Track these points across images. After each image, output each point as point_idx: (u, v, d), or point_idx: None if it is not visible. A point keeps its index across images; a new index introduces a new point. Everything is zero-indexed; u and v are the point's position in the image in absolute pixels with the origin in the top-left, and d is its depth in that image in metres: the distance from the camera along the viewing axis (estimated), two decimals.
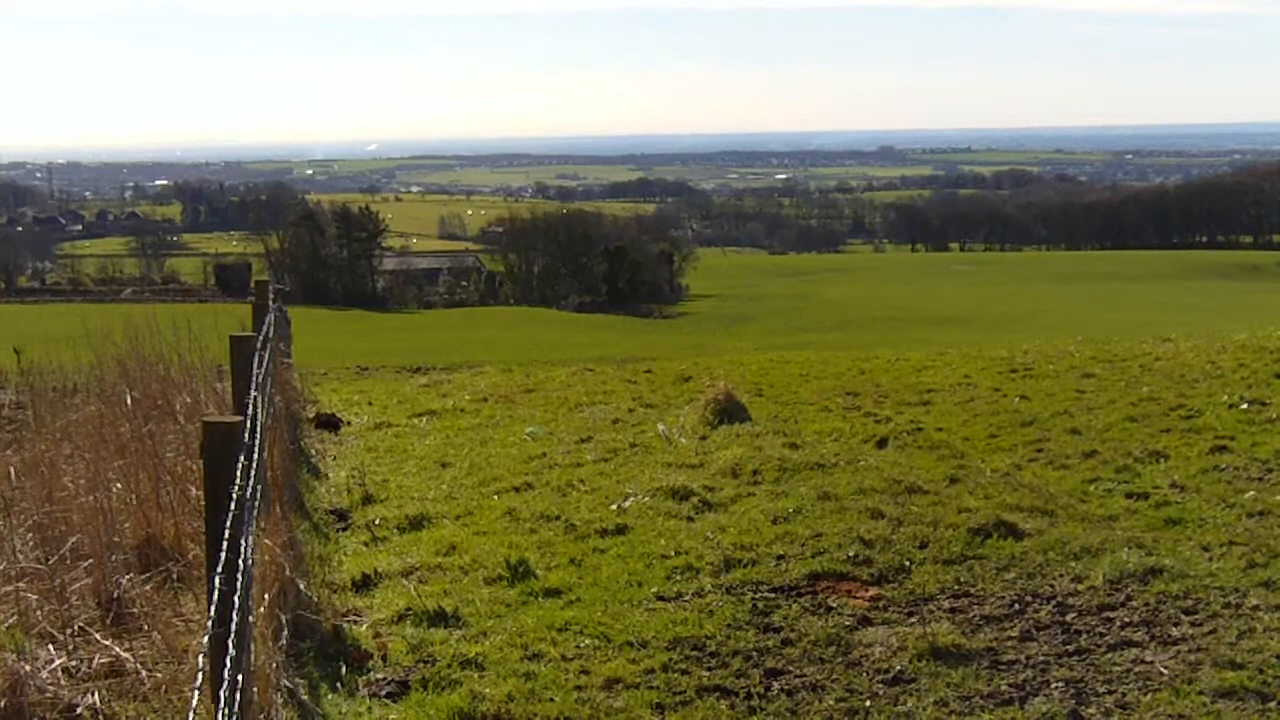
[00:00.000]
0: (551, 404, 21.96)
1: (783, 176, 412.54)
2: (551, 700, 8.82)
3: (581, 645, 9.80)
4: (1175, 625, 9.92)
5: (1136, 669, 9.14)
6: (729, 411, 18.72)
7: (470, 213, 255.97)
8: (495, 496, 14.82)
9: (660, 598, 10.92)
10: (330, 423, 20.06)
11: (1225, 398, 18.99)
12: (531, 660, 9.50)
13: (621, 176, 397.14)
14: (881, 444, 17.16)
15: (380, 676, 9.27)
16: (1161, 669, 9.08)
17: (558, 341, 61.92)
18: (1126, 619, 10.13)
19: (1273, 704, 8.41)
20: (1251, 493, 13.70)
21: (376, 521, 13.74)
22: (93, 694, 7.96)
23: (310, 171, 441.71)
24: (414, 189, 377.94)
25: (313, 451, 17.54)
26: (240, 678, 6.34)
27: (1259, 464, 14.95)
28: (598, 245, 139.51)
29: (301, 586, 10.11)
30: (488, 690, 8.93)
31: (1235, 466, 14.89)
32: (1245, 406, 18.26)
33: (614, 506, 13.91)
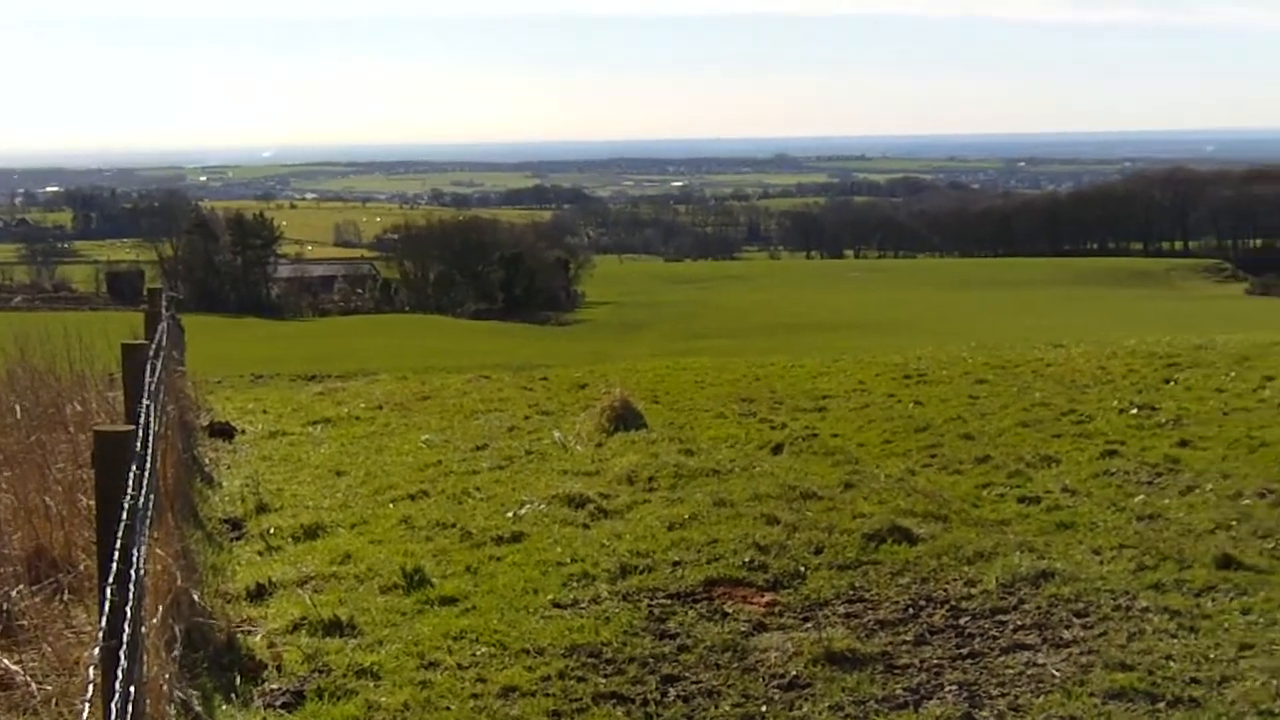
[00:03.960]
0: (447, 411, 21.91)
1: (679, 184, 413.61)
2: (448, 709, 8.79)
3: (478, 653, 9.76)
4: (1067, 628, 10.02)
5: (1029, 671, 9.23)
6: (625, 418, 18.74)
7: (366, 220, 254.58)
8: (391, 505, 14.75)
9: (556, 605, 10.90)
10: (224, 431, 19.90)
11: (1115, 403, 19.21)
12: (427, 669, 9.45)
13: (518, 183, 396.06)
14: (777, 450, 17.21)
15: (275, 687, 9.20)
16: (1053, 671, 9.17)
17: (454, 349, 61.84)
18: (1019, 622, 10.22)
19: (1162, 704, 8.51)
20: (1141, 496, 13.86)
21: (271, 530, 13.63)
22: None
23: (204, 178, 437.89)
24: (309, 196, 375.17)
25: (206, 460, 17.39)
26: (132, 689, 6.27)
27: (1148, 468, 15.12)
28: (494, 253, 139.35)
29: (195, 597, 10.02)
30: (383, 699, 8.88)
31: (1125, 471, 15.06)
32: (1135, 411, 18.47)
33: (510, 514, 13.89)
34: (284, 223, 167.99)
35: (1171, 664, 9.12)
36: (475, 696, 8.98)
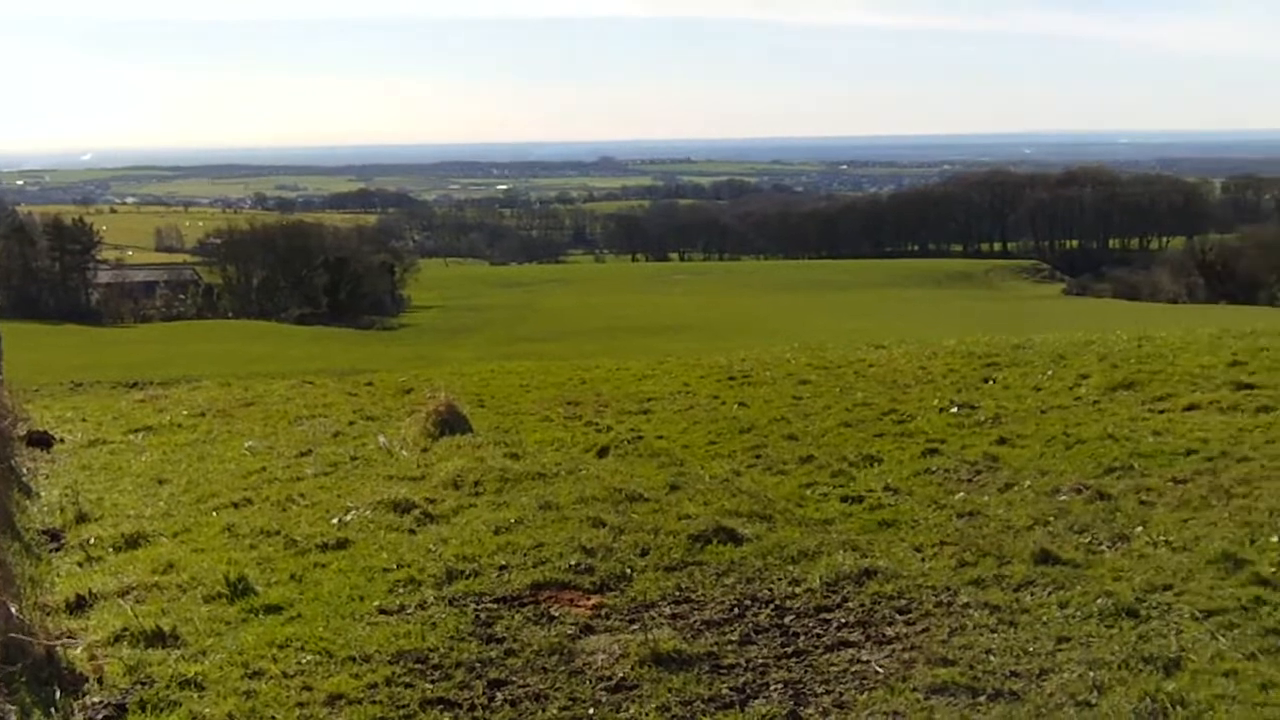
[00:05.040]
0: (271, 418, 21.70)
1: (504, 187, 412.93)
2: (273, 718, 8.71)
3: (303, 661, 9.68)
4: (890, 625, 10.15)
5: (853, 669, 9.33)
6: (450, 423, 18.67)
7: (188, 224, 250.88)
8: (214, 513, 14.58)
9: (383, 611, 10.84)
10: (42, 440, 19.56)
11: (936, 402, 19.47)
12: (252, 678, 9.35)
13: (342, 187, 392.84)
14: (603, 453, 17.25)
15: (97, 700, 9.06)
16: (877, 668, 9.28)
17: (277, 354, 61.31)
18: (843, 620, 10.34)
19: (982, 698, 8.64)
20: (961, 494, 14.08)
21: (91, 541, 13.42)
22: None
23: (21, 182, 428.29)
24: (130, 200, 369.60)
25: (24, 470, 17.07)
26: None
27: (968, 466, 15.36)
28: (318, 257, 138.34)
29: (12, 610, 9.82)
30: (207, 710, 8.78)
31: (946, 469, 15.29)
32: (955, 410, 18.74)
33: (335, 520, 13.79)
34: (104, 228, 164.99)
35: (991, 658, 9.27)
36: (301, 705, 8.91)
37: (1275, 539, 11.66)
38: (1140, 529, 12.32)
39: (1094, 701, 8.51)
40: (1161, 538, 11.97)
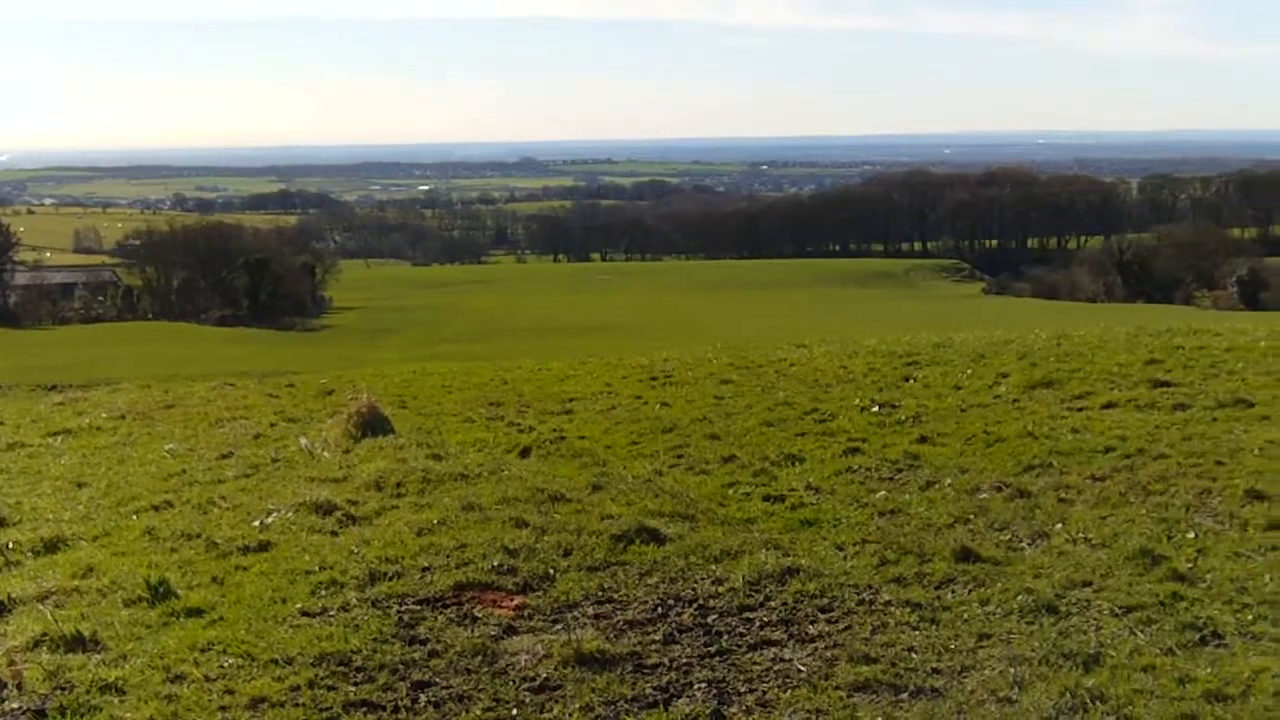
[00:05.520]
0: (191, 420, 21.57)
1: (425, 188, 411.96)
2: None
3: (225, 665, 9.62)
4: (812, 623, 10.19)
5: (776, 667, 9.37)
6: (372, 424, 18.60)
7: (107, 226, 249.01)
8: (134, 516, 14.47)
9: (305, 614, 10.79)
10: None
11: (857, 401, 19.56)
12: (174, 682, 9.29)
13: (262, 188, 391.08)
14: (525, 453, 17.24)
15: (15, 706, 8.98)
16: (800, 666, 9.32)
17: (198, 356, 60.94)
18: (766, 619, 10.37)
19: (905, 695, 8.71)
20: (883, 492, 14.16)
21: (9, 545, 13.29)
22: None
23: None
24: (47, 201, 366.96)
25: None
26: None
27: (889, 464, 15.45)
28: (239, 258, 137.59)
29: None
30: (128, 715, 8.73)
31: (867, 467, 15.37)
32: (876, 409, 18.84)
33: (257, 523, 13.71)
34: (21, 229, 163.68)
35: (914, 655, 9.34)
36: (223, 709, 8.86)
37: (1192, 535, 11.81)
38: (1059, 526, 12.43)
39: (1015, 698, 8.58)
40: (1080, 535, 12.08)
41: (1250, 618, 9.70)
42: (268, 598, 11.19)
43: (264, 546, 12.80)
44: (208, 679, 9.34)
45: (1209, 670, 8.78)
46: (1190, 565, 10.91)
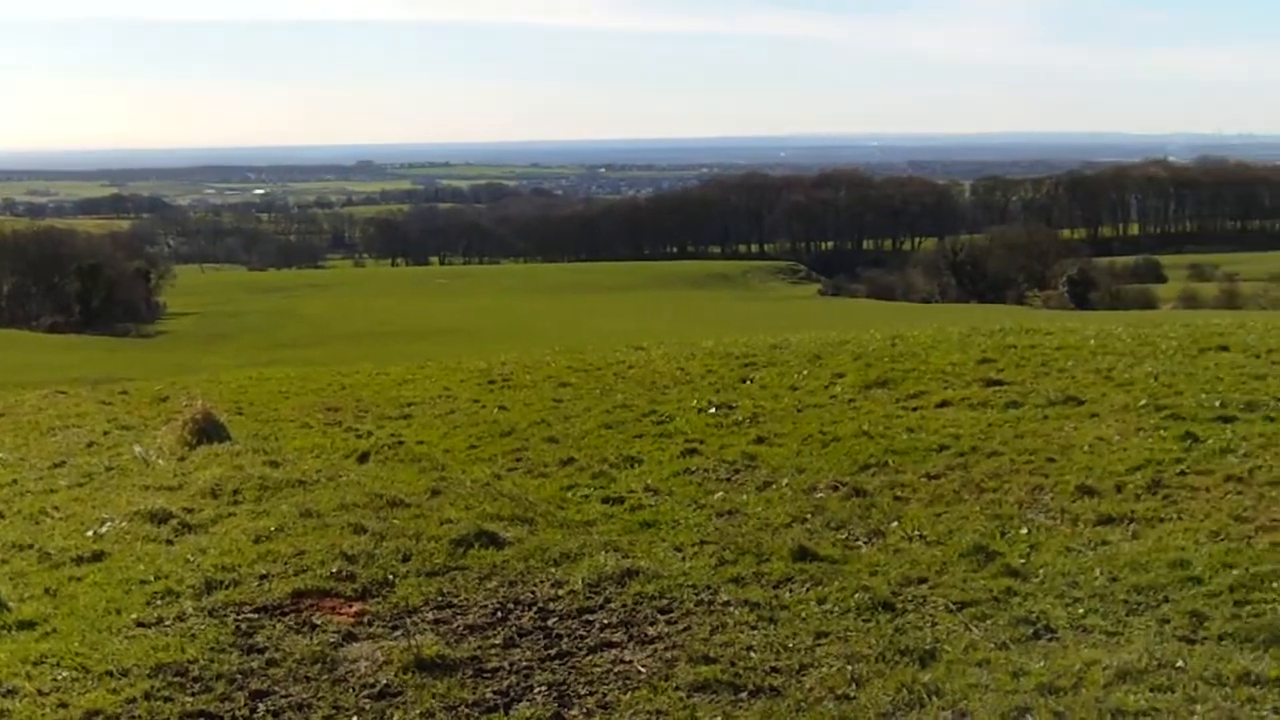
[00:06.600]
0: (22, 428, 21.18)
1: (261, 192, 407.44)
2: None
3: (59, 677, 9.47)
4: (652, 624, 10.24)
5: (616, 669, 9.40)
6: (208, 431, 18.38)
7: None
8: None
9: (141, 624, 10.64)
10: None
11: (695, 402, 19.63)
12: (5, 697, 9.13)
13: (95, 193, 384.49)
14: (363, 458, 17.13)
15: None
16: (640, 667, 9.36)
17: (29, 363, 60.04)
18: (606, 621, 10.40)
19: (744, 694, 8.78)
20: (720, 493, 14.25)
21: None
22: None
23: None
24: None
25: None
26: None
27: (727, 465, 15.54)
28: (70, 263, 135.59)
29: None
30: None
31: (705, 468, 15.45)
32: (713, 411, 18.92)
33: (90, 533, 13.50)
34: None
35: (752, 655, 9.41)
36: None
37: (1024, 531, 12.02)
38: (895, 524, 12.61)
39: (853, 695, 8.69)
40: (916, 532, 12.26)
41: (1081, 611, 9.90)
42: (102, 609, 11.03)
43: (98, 556, 12.61)
44: (40, 693, 9.19)
45: (1042, 663, 8.94)
46: (1023, 561, 11.11)
